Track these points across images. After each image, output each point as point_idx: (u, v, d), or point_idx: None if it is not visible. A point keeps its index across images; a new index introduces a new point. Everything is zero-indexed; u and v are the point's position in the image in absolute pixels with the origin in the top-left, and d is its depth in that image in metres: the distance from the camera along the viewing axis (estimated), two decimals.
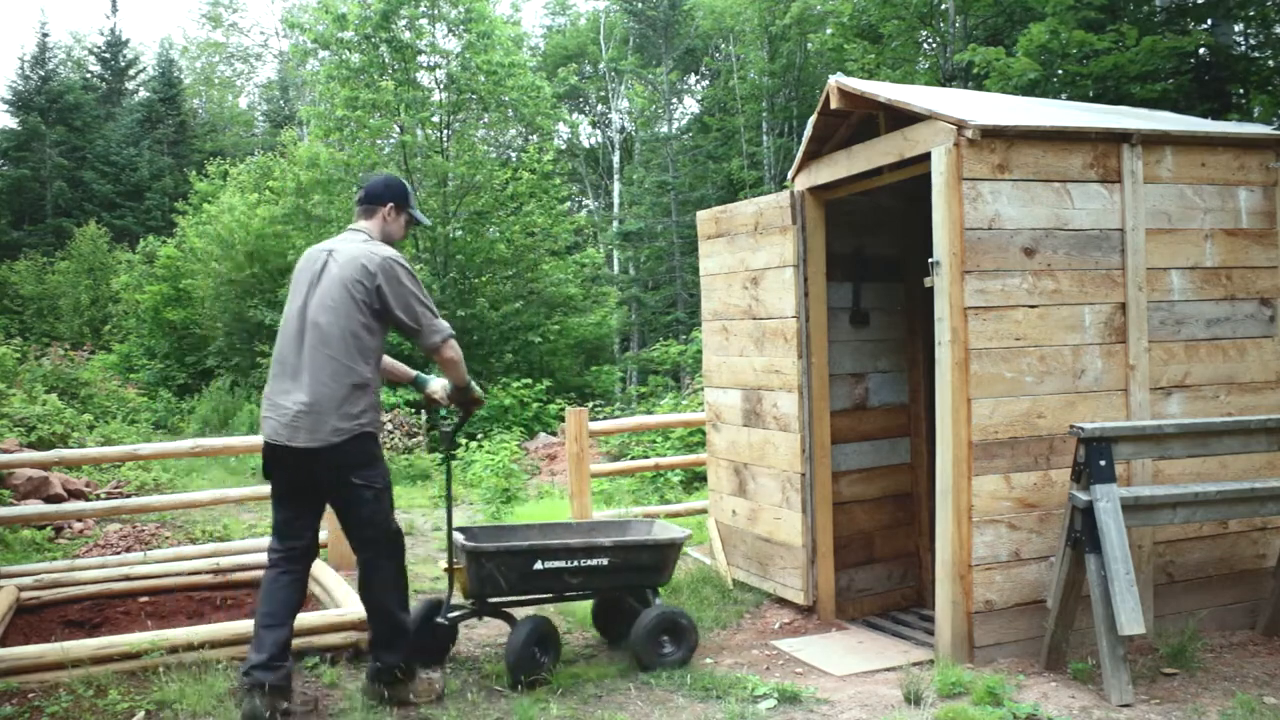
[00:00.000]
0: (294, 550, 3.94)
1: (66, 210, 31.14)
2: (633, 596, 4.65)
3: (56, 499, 8.17)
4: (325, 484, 3.87)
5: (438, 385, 4.27)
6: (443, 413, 4.56)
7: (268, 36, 44.16)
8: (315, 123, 17.85)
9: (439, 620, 4.36)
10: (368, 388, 3.81)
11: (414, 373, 4.38)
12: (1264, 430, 4.38)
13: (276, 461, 3.86)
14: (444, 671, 4.23)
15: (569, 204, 23.79)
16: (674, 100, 28.55)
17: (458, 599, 4.45)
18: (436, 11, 16.50)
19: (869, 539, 5.73)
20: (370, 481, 3.84)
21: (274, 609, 3.79)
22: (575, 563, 4.37)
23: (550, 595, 4.49)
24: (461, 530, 4.54)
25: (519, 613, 4.49)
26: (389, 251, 3.89)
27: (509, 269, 16.97)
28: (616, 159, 27.21)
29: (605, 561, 4.42)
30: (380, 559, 3.97)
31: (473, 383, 4.20)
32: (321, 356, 3.74)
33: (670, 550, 4.59)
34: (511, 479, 8.69)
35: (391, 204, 4.03)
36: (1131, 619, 3.77)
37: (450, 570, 4.42)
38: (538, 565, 4.30)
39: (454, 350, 3.95)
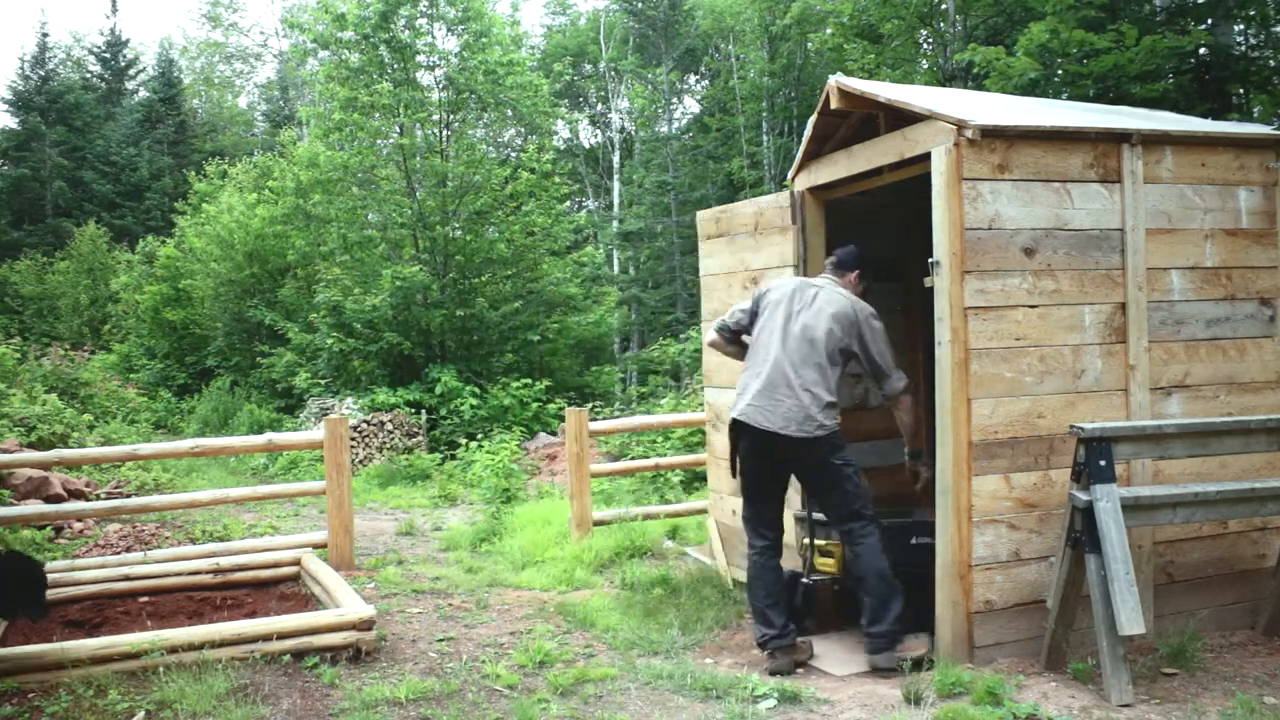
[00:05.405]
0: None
1: (66, 210, 31.13)
2: None
3: (56, 499, 8.16)
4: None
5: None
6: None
7: (268, 36, 44.21)
8: (315, 123, 17.84)
9: (804, 581, 4.81)
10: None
11: None
12: (1264, 430, 4.38)
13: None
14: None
15: (569, 203, 23.77)
16: (674, 100, 28.54)
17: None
18: (435, 11, 16.48)
19: None
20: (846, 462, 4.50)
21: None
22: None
23: (916, 571, 4.69)
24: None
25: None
26: (869, 308, 4.55)
27: (509, 269, 16.95)
28: (616, 159, 27.18)
29: None
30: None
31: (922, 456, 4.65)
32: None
33: None
34: (511, 479, 8.68)
35: (858, 272, 4.70)
36: (1131, 619, 3.77)
37: (811, 545, 4.85)
38: (913, 540, 4.54)
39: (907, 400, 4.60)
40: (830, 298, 4.52)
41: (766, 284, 4.79)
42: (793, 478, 4.71)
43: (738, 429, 4.48)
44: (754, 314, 4.70)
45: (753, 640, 4.87)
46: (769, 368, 4.43)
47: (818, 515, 4.87)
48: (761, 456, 4.49)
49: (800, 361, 4.37)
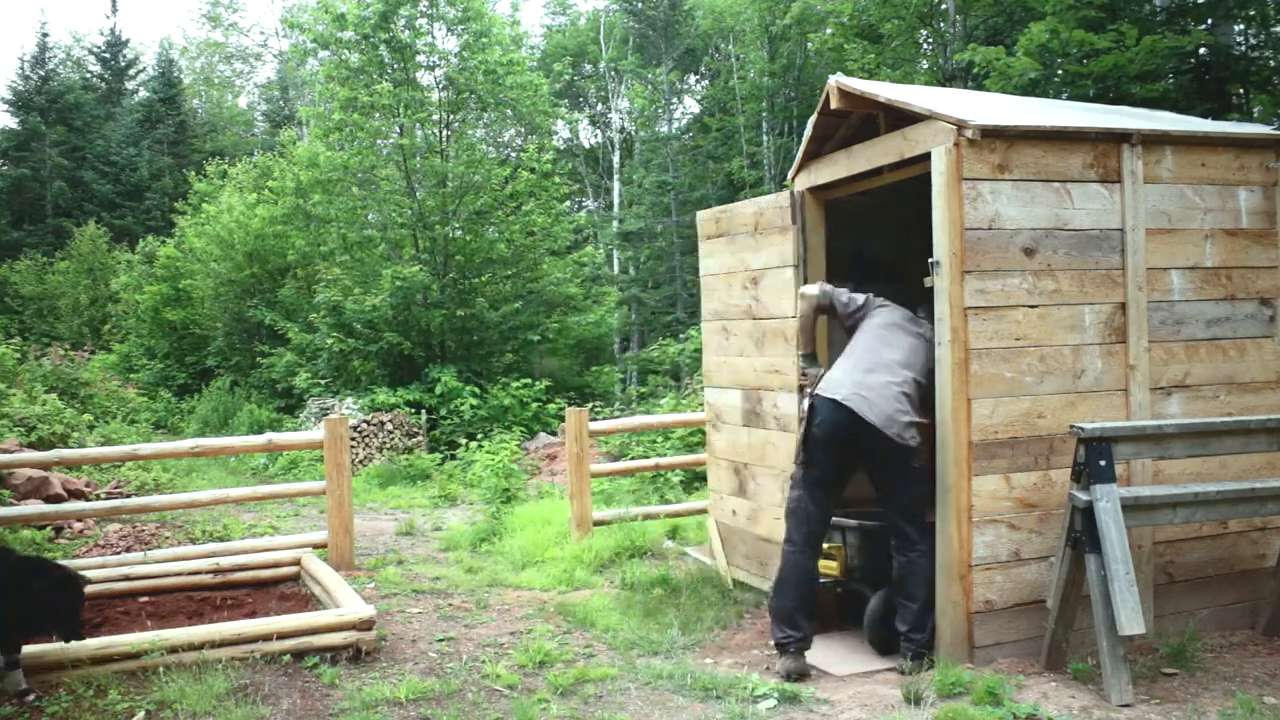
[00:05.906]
0: None
1: (66, 210, 31.13)
2: None
3: (56, 499, 8.16)
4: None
5: None
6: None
7: (268, 36, 44.18)
8: (315, 123, 17.84)
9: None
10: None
11: None
12: (1264, 430, 4.38)
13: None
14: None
15: (569, 203, 23.74)
16: (674, 100, 28.53)
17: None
18: (435, 11, 16.48)
19: None
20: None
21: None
22: None
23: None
24: (854, 517, 4.91)
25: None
26: None
27: (509, 269, 16.95)
28: (616, 159, 27.17)
29: None
30: None
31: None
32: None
33: None
34: (511, 479, 8.67)
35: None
36: (1131, 619, 3.77)
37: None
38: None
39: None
40: (932, 334, 4.73)
41: (876, 299, 4.87)
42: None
43: (833, 411, 4.44)
44: (857, 314, 4.82)
45: (752, 640, 4.88)
46: (882, 370, 4.54)
47: (851, 521, 4.90)
48: (849, 447, 4.49)
49: (912, 382, 4.55)
